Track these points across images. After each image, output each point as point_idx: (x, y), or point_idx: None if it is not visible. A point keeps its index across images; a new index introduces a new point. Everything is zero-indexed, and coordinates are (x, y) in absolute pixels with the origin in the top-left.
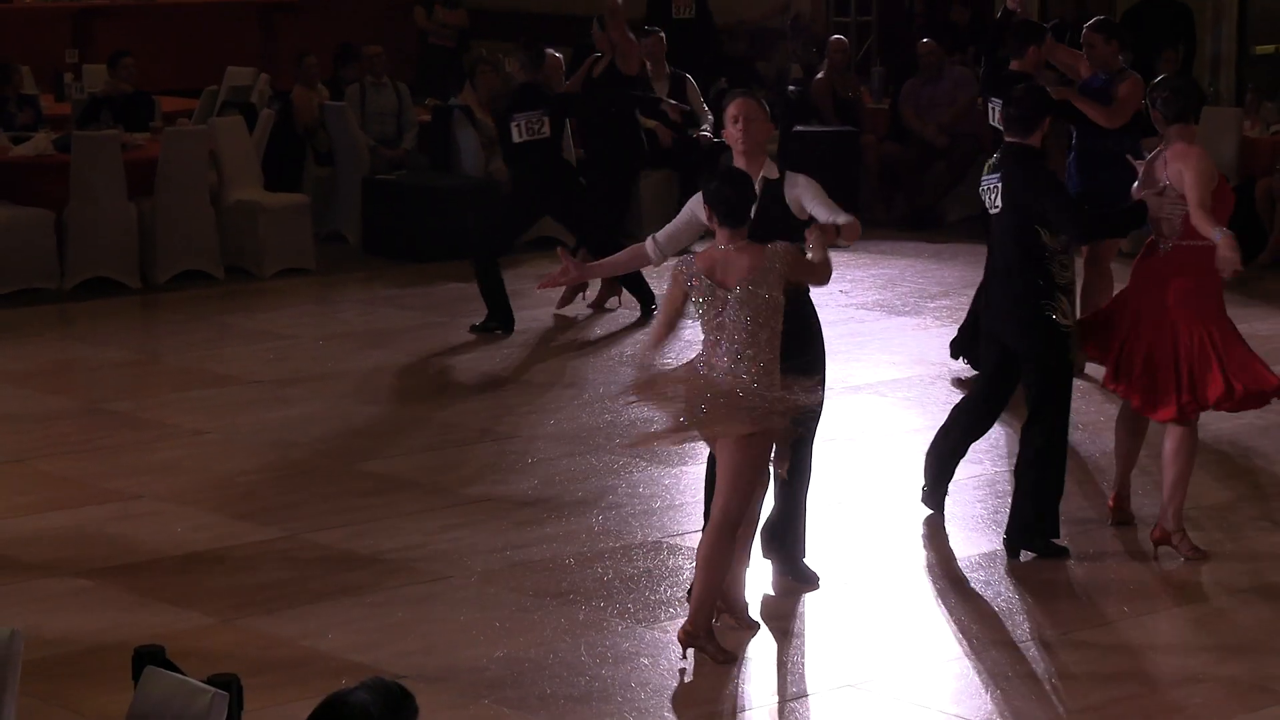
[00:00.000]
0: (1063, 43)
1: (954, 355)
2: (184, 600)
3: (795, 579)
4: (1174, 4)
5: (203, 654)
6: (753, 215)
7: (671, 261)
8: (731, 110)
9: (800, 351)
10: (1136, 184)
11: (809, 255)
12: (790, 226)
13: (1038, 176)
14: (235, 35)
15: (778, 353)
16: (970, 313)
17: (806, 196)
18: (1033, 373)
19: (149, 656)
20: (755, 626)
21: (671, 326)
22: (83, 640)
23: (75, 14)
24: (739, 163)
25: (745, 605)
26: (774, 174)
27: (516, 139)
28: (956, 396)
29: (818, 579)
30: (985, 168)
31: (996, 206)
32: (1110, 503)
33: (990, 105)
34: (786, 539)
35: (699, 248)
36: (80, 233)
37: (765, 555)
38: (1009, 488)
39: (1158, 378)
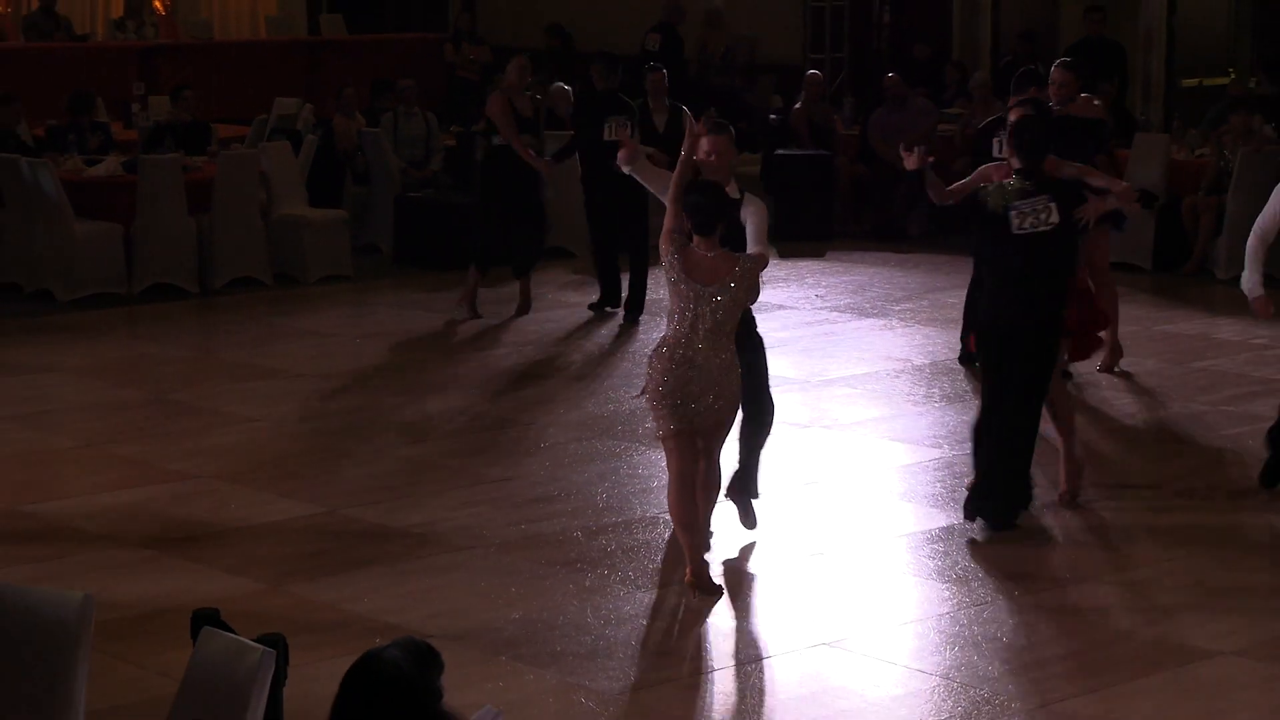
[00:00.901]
0: (1035, 85)
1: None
2: (236, 568)
3: (744, 519)
4: (1109, 42)
5: (253, 616)
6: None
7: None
8: (705, 145)
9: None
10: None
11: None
12: (743, 237)
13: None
14: (283, 70)
15: (734, 342)
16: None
17: (750, 220)
18: (1034, 362)
19: (205, 618)
20: (719, 591)
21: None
22: (147, 604)
23: (142, 51)
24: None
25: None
26: (735, 194)
27: (607, 137)
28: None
29: (755, 522)
30: (1010, 194)
31: (1050, 224)
32: None
33: (996, 139)
34: (747, 484)
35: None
36: (146, 244)
37: (728, 497)
38: (965, 469)
39: None
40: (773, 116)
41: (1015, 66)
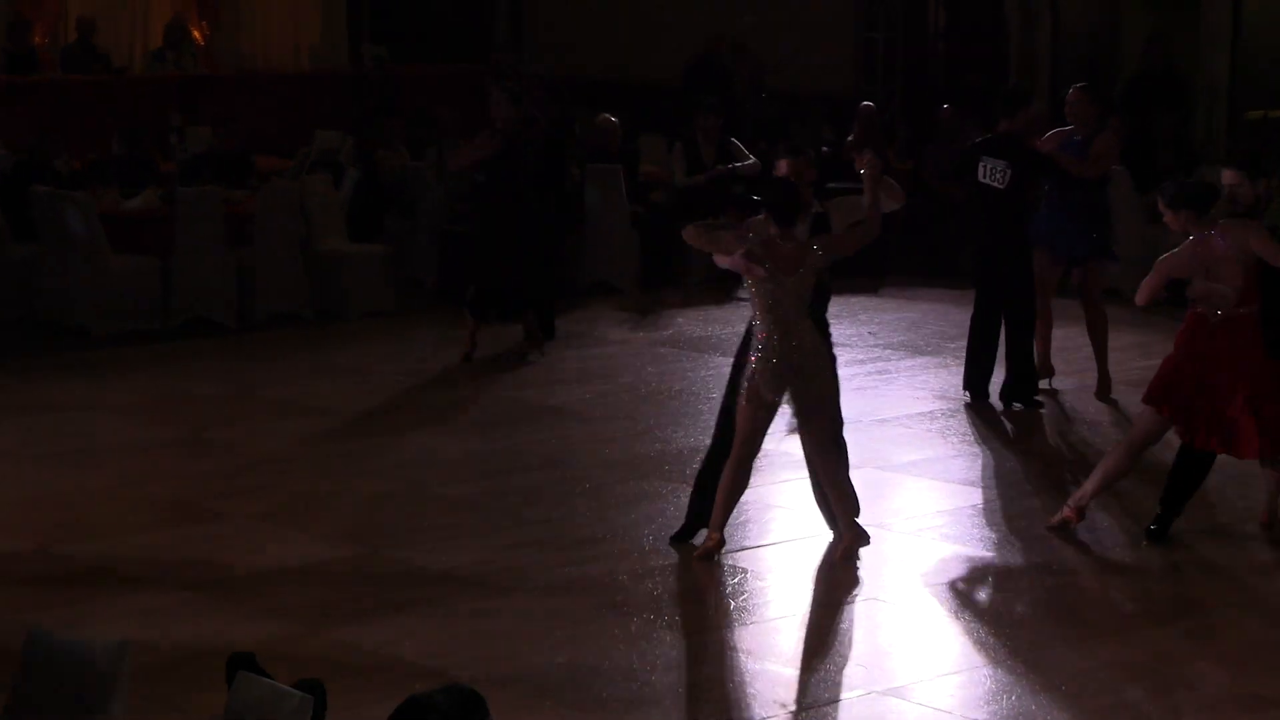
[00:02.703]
0: (1024, 106)
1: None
2: (274, 611)
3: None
4: (1171, 74)
5: (291, 660)
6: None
7: None
8: (784, 168)
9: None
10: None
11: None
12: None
13: None
14: (325, 102)
15: (822, 330)
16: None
17: (845, 212)
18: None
19: (241, 662)
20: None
21: (716, 243)
22: (182, 647)
23: (180, 83)
24: None
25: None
26: (817, 209)
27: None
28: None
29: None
30: None
31: None
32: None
33: (981, 164)
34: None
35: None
36: (184, 278)
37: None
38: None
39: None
40: (825, 149)
41: None
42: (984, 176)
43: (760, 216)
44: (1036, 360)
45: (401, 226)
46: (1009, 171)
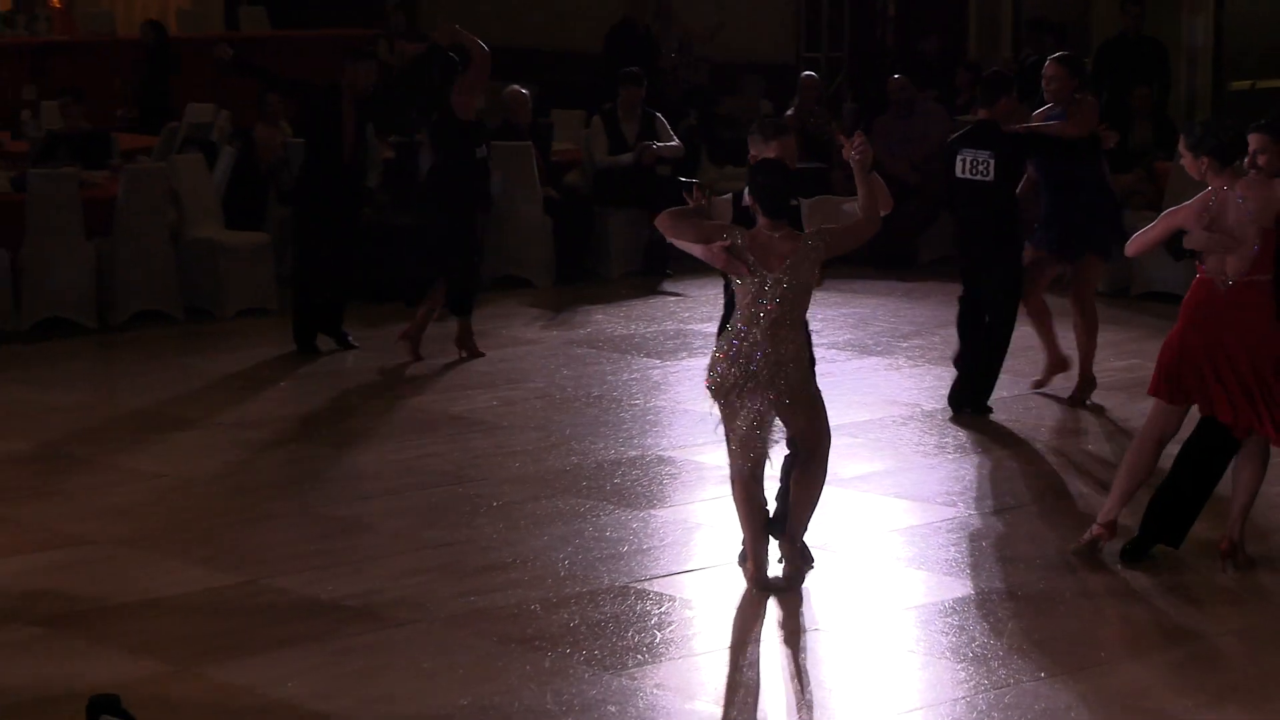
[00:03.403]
0: (1005, 94)
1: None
2: (140, 647)
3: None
4: (1148, 41)
5: (160, 703)
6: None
7: None
8: (775, 150)
9: None
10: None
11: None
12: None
13: None
14: (196, 71)
15: (804, 334)
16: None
17: (823, 215)
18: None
19: (104, 706)
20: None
21: (696, 232)
22: (36, 689)
23: (34, 50)
24: None
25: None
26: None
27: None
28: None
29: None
30: None
31: None
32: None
33: (960, 158)
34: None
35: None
36: (37, 273)
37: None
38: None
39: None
40: (767, 117)
41: (1038, 68)
42: (964, 171)
43: (725, 196)
44: (1052, 359)
45: (285, 213)
46: (993, 162)
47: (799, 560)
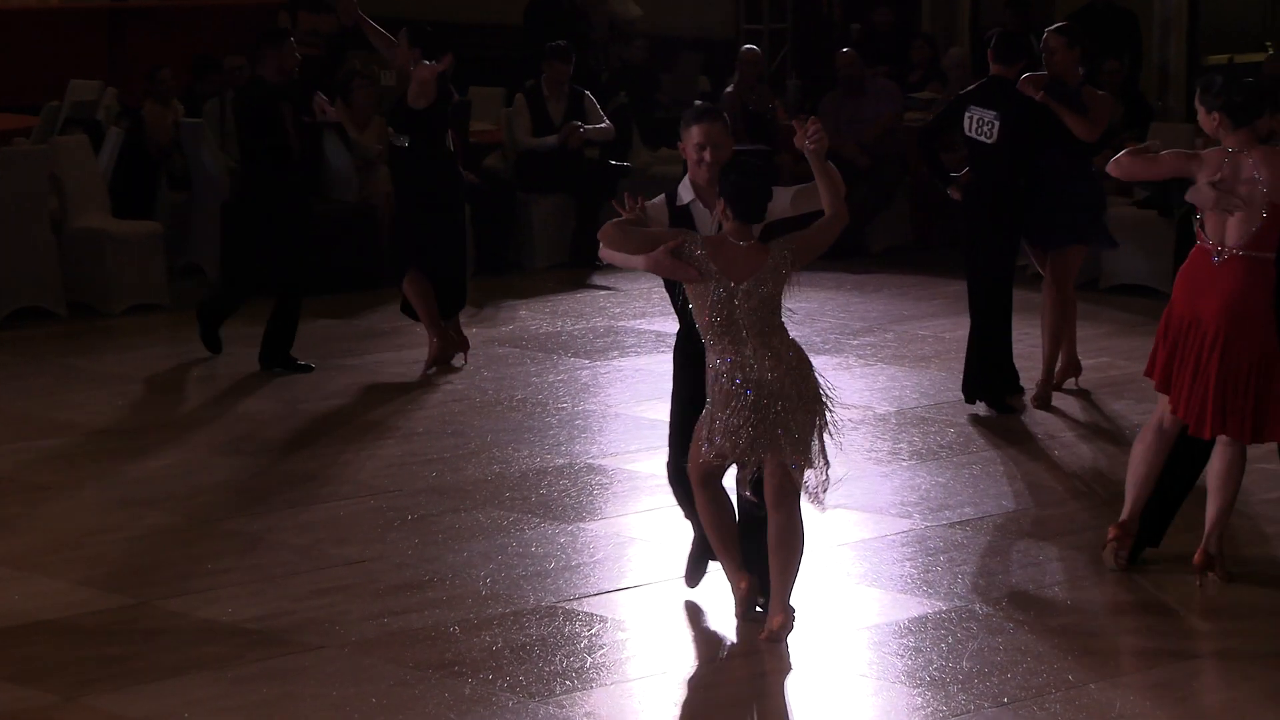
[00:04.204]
0: (1025, 56)
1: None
2: (22, 676)
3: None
4: (1118, 11)
5: None
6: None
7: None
8: (697, 136)
9: None
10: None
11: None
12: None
13: None
14: (79, 45)
15: (788, 338)
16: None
17: (780, 201)
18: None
19: None
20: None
21: (641, 242)
22: None
23: None
24: (694, 193)
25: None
26: None
27: None
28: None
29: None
30: None
31: None
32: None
33: (968, 115)
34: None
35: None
36: None
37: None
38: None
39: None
40: (698, 102)
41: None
42: (970, 129)
43: (657, 200)
44: (1062, 359)
45: (176, 201)
46: (998, 123)
47: (787, 620)
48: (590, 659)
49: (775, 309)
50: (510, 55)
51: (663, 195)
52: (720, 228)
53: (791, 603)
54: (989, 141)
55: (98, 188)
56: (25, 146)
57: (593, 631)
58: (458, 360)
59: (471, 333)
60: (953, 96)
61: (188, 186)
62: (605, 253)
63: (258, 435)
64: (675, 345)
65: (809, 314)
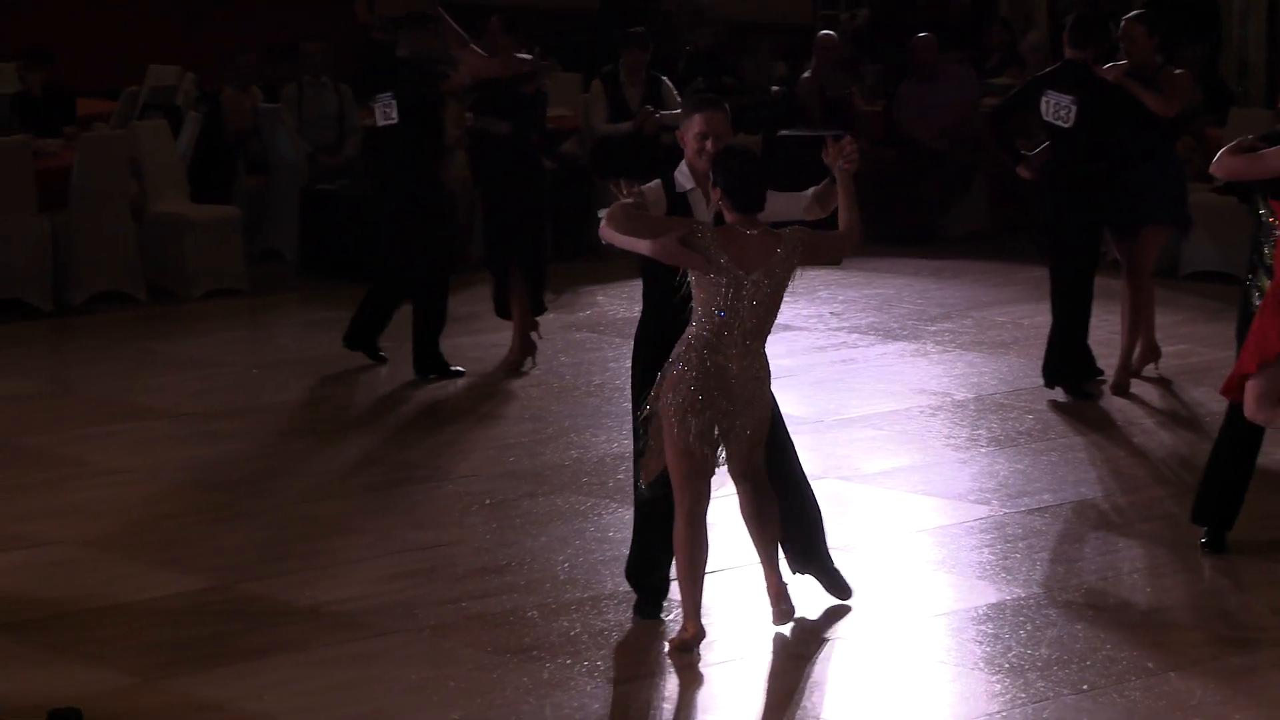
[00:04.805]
0: (1095, 42)
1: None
2: (103, 658)
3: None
4: None
5: (124, 717)
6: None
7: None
8: (699, 126)
9: None
10: None
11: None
12: None
13: None
14: (157, 30)
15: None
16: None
17: (789, 206)
18: None
19: None
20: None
21: (649, 227)
22: None
23: None
24: (694, 181)
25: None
26: None
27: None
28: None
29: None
30: None
31: None
32: None
33: (1044, 99)
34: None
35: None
36: None
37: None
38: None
39: None
40: (775, 88)
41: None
42: (1047, 113)
43: (653, 184)
44: (1141, 346)
45: (253, 186)
46: (1074, 107)
47: (789, 604)
48: (667, 644)
49: (774, 311)
50: (587, 41)
51: (658, 180)
52: (719, 218)
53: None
54: (1066, 126)
55: (177, 173)
56: (105, 131)
57: (670, 617)
58: (527, 365)
59: (549, 318)
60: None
61: (265, 172)
62: (606, 233)
63: (335, 419)
64: (641, 337)
65: (886, 300)
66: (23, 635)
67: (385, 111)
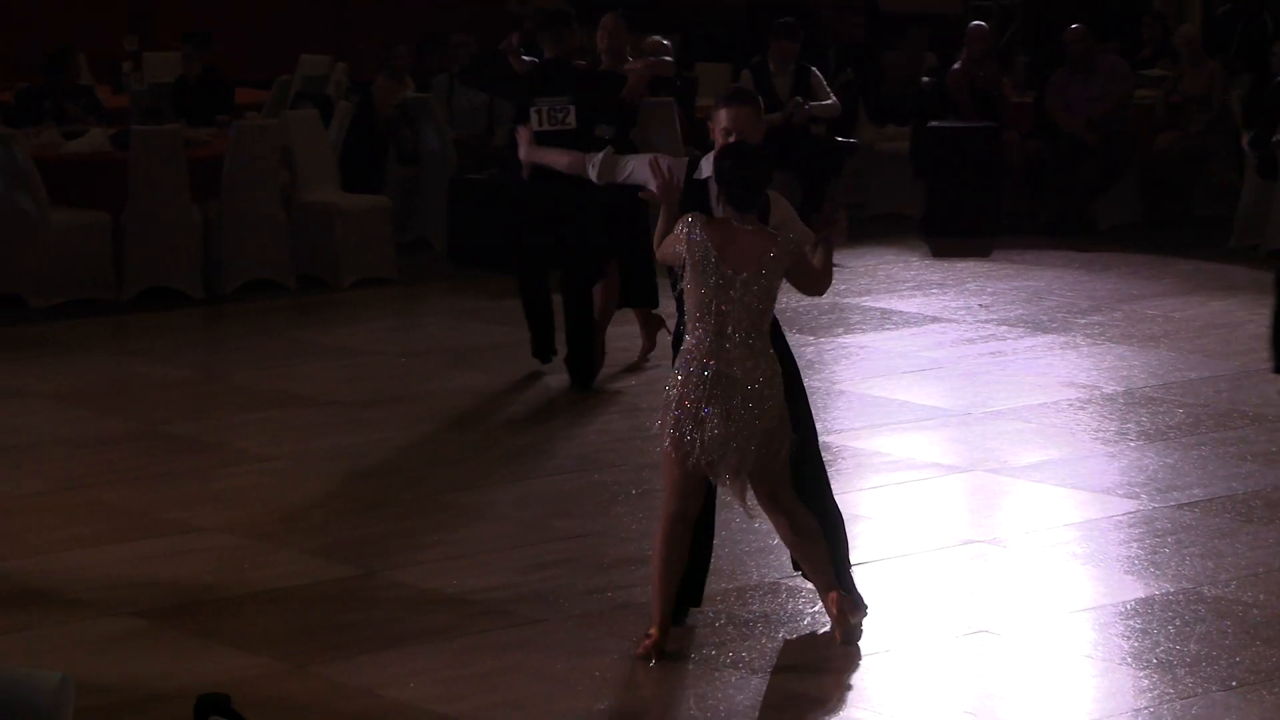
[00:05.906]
0: None
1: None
2: (251, 643)
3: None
4: None
5: (271, 703)
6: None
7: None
8: (724, 121)
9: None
10: None
11: (813, 258)
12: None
13: None
14: (309, 20)
15: (770, 344)
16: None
17: (789, 222)
18: None
19: (213, 705)
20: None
21: (660, 234)
22: (140, 687)
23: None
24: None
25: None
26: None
27: (537, 127)
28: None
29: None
30: None
31: None
32: None
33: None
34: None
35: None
36: (140, 238)
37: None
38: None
39: None
40: (925, 79)
41: (1234, 19)
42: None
43: (680, 159)
44: None
45: (403, 176)
46: None
47: (855, 612)
48: (814, 636)
49: (769, 308)
50: (735, 31)
51: (687, 157)
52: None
53: (858, 592)
54: None
55: (327, 162)
56: (257, 120)
57: (816, 609)
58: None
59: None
60: (1186, 74)
61: (415, 161)
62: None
63: (481, 409)
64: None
65: (1036, 292)
66: (172, 621)
67: (557, 116)
